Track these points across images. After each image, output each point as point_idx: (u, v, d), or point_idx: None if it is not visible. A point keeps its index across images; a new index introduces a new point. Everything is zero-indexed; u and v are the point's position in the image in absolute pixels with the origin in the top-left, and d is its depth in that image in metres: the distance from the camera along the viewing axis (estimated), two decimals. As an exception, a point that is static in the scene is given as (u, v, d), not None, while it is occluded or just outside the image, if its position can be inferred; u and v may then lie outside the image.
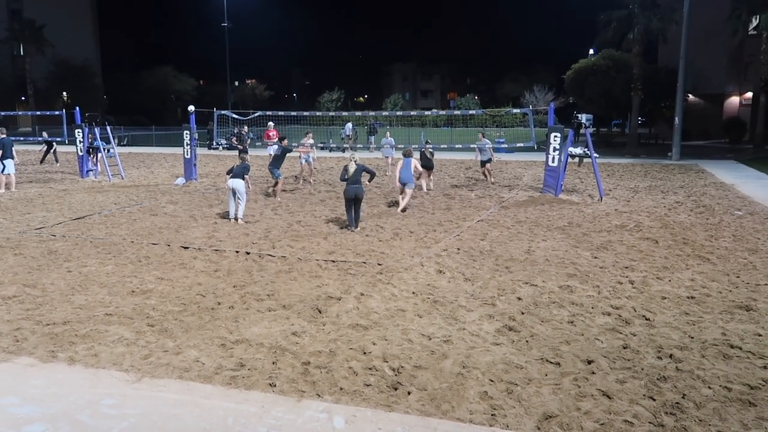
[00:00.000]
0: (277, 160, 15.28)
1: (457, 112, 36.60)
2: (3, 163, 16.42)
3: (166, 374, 5.17)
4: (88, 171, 20.15)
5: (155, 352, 5.62)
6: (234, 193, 11.91)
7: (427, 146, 16.99)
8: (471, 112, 35.39)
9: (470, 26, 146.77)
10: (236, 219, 11.90)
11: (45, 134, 25.25)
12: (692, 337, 5.93)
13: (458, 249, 9.68)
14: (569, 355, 5.49)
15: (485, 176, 19.08)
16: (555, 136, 15.63)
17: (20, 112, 48.63)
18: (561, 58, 57.52)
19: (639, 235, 10.78)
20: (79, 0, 73.32)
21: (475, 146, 19.36)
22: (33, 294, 7.35)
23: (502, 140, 32.31)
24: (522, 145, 19.74)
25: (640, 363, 5.33)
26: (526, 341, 5.84)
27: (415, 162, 13.70)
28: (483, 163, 18.84)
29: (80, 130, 19.95)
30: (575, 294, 7.34)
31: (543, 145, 17.28)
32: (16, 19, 64.27)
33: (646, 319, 6.44)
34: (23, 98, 63.33)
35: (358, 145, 33.66)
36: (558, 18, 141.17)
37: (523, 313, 6.62)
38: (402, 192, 13.55)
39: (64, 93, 64.41)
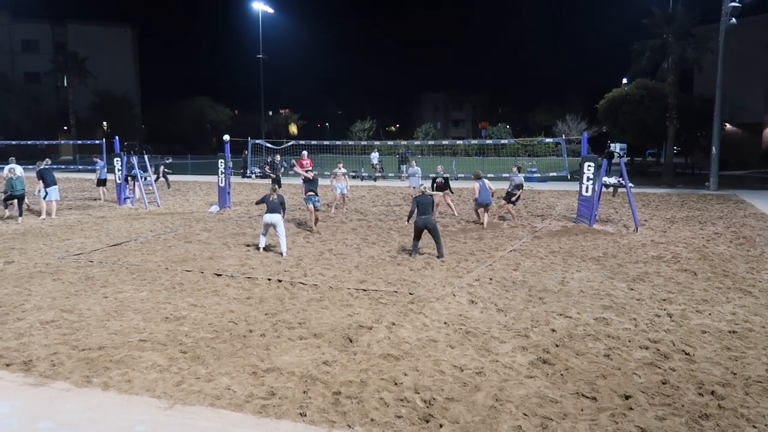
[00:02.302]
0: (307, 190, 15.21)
1: (488, 141, 36.42)
2: (47, 191, 16.98)
3: (198, 401, 5.18)
4: (125, 198, 20.66)
5: (187, 378, 5.65)
6: (269, 227, 11.63)
7: (439, 173, 17.43)
8: (503, 141, 35.33)
9: (502, 55, 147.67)
10: (280, 253, 11.48)
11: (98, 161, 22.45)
12: (735, 373, 5.72)
13: (490, 279, 9.58)
14: (606, 390, 5.35)
15: (503, 216, 16.59)
16: (589, 166, 15.50)
17: (62, 141, 50.37)
18: (594, 87, 57.43)
19: (677, 267, 10.53)
20: (121, 33, 76.22)
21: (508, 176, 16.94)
22: (70, 319, 7.48)
23: (534, 170, 32.18)
24: (555, 174, 19.58)
25: (680, 399, 5.17)
26: (561, 374, 5.71)
27: (487, 182, 14.94)
28: (508, 197, 16.39)
29: (119, 159, 20.57)
30: (611, 326, 7.18)
31: (576, 175, 17.11)
32: (61, 52, 67.11)
33: (686, 354, 6.25)
34: (65, 128, 65.62)
35: (390, 174, 33.83)
36: (591, 47, 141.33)
37: (557, 346, 6.49)
38: (480, 211, 15.40)
39: (104, 122, 66.47)
